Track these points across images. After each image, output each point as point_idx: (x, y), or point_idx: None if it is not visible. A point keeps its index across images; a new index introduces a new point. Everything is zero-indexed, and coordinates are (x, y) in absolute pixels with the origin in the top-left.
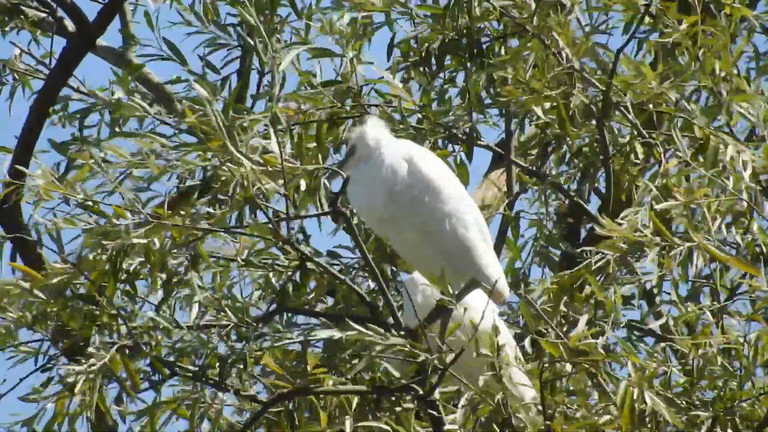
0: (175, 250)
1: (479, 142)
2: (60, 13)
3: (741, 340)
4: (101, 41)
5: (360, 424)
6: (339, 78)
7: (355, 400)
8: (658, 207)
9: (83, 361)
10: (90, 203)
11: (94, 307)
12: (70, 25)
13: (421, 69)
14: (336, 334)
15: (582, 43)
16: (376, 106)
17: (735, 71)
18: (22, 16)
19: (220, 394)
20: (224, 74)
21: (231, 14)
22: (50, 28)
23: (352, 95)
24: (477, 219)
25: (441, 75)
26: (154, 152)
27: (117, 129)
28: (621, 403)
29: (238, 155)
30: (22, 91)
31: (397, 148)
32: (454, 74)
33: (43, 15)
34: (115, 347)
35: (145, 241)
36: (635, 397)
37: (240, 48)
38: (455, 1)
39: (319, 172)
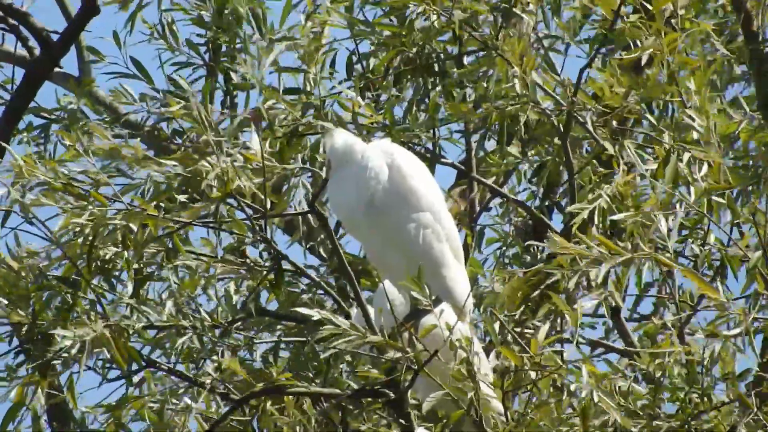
0: (151, 243)
1: (443, 159)
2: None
3: (701, 352)
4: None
5: None
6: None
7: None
8: (613, 218)
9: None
10: (71, 185)
11: (72, 290)
12: (24, 50)
13: (382, 84)
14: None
15: (532, 57)
16: (350, 124)
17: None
18: None
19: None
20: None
21: (198, 34)
22: (6, 58)
23: (315, 110)
24: (450, 234)
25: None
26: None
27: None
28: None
29: (218, 148)
30: None
31: (379, 151)
32: (417, 95)
33: None
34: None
35: (124, 223)
36: (587, 398)
37: (205, 67)
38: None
39: (297, 172)
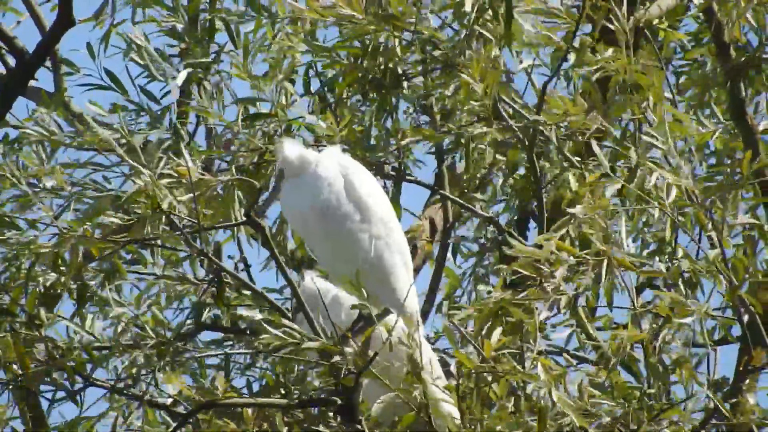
0: (90, 265)
1: (408, 177)
2: None
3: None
4: (31, 84)
5: None
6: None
7: None
8: (573, 211)
9: None
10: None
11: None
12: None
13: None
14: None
15: (493, 75)
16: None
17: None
18: None
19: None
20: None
21: (170, 45)
22: None
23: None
24: (401, 246)
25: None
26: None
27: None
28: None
29: (136, 165)
30: None
31: (333, 162)
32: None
33: None
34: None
35: (54, 250)
36: (543, 395)
37: None
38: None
39: (233, 184)
